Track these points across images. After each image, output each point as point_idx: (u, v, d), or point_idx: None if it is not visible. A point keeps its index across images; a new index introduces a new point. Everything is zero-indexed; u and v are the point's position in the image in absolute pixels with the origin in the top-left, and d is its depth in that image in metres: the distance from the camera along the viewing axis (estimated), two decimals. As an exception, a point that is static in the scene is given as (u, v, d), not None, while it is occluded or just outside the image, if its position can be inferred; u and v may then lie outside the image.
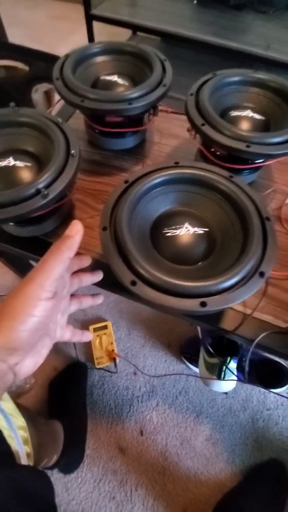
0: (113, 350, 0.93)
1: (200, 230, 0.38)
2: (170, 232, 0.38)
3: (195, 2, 1.47)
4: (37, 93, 0.98)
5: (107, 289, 0.47)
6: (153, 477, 0.79)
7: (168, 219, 0.39)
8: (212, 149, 0.52)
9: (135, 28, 1.51)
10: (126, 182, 0.39)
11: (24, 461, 0.48)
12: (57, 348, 0.95)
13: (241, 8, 1.43)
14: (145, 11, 1.43)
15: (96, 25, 1.45)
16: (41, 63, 1.03)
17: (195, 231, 0.38)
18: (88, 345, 0.95)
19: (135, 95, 0.50)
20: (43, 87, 0.98)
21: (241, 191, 0.38)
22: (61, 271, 0.29)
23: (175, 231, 0.38)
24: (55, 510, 0.48)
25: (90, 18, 1.42)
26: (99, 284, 0.43)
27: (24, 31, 1.94)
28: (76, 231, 0.31)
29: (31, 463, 0.51)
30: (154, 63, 0.54)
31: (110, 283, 0.43)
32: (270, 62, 1.23)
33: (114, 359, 0.92)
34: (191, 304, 0.31)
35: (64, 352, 0.94)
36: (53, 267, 0.28)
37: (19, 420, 0.52)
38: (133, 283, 0.32)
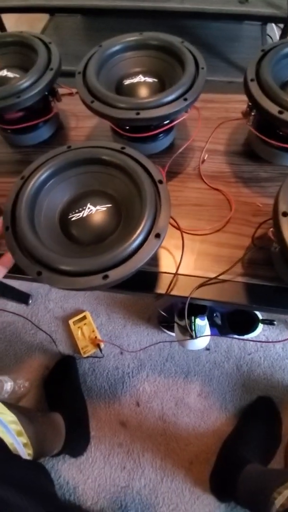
0: (95, 337, 0.96)
1: (102, 208, 0.39)
2: (74, 217, 0.39)
3: None
4: None
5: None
6: (156, 440, 0.84)
7: (72, 204, 0.40)
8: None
9: (50, 10, 1.44)
10: (22, 178, 0.40)
11: (21, 451, 0.52)
12: (45, 349, 0.97)
13: None
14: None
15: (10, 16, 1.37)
16: None
17: (98, 209, 0.39)
18: (72, 339, 0.98)
19: (23, 86, 0.49)
20: None
21: (132, 160, 0.39)
22: None
23: (79, 214, 0.39)
24: (55, 497, 0.53)
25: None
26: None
27: None
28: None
29: (30, 452, 0.55)
30: (38, 48, 0.52)
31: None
32: (187, 14, 1.19)
33: (99, 345, 0.95)
34: (95, 280, 0.33)
35: (51, 351, 0.97)
36: None
37: (8, 415, 0.55)
38: (39, 273, 0.34)
